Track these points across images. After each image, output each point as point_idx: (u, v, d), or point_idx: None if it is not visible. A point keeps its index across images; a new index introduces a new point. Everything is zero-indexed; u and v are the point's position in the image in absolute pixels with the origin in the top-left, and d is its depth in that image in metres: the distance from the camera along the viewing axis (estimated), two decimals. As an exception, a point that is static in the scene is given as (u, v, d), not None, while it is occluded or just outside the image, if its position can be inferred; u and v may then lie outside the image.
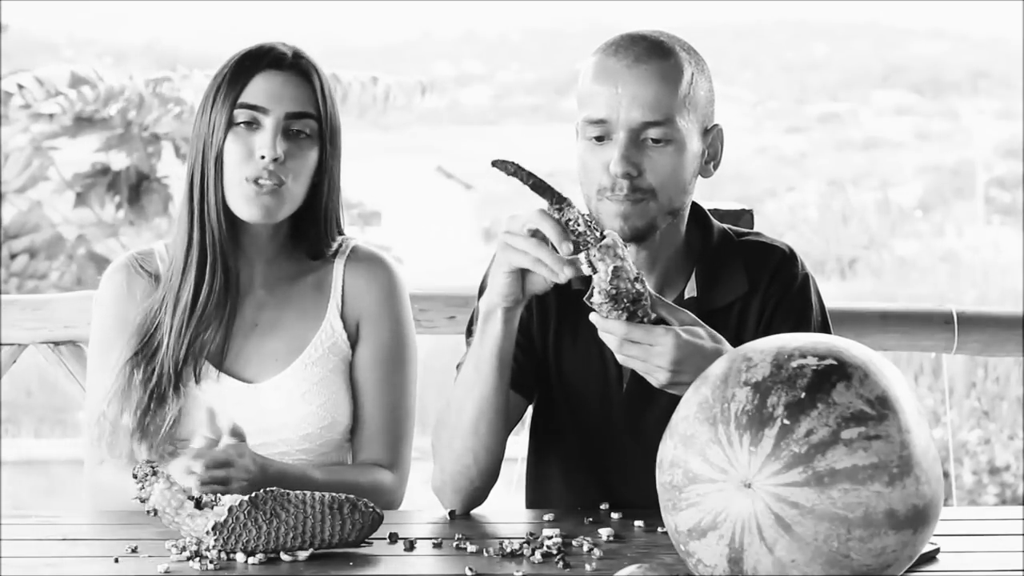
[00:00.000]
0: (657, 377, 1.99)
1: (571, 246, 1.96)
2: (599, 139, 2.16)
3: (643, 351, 1.97)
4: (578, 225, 1.96)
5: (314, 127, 2.32)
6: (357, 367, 2.39)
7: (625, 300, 1.94)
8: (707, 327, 2.03)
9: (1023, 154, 26.92)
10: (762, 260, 2.28)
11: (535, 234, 2.00)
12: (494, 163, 2.01)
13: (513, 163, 1.99)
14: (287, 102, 2.30)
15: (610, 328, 1.96)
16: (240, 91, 2.30)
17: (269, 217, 2.31)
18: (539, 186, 1.98)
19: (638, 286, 1.95)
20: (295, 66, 2.33)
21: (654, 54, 2.17)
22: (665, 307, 2.01)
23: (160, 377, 2.31)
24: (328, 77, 2.38)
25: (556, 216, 1.97)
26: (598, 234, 1.95)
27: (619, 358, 1.99)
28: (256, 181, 2.29)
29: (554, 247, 1.97)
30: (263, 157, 2.28)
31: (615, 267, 1.93)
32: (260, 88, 2.30)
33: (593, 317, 1.98)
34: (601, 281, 1.94)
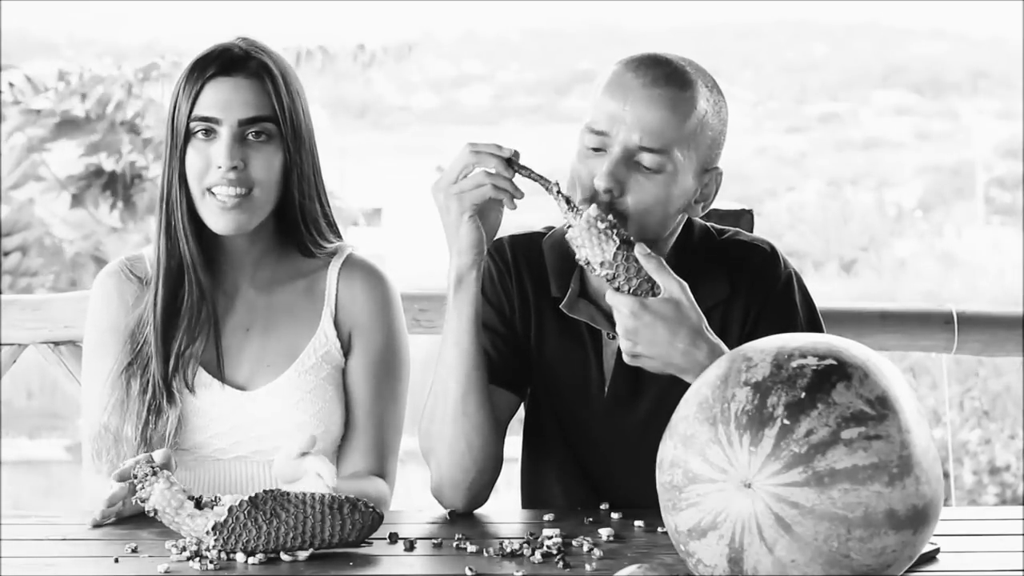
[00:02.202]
0: (621, 344, 2.04)
1: (511, 149, 2.08)
2: (596, 150, 2.14)
3: (614, 311, 2.03)
4: (561, 205, 2.07)
5: (272, 128, 2.29)
6: (349, 377, 2.38)
7: (603, 279, 2.03)
8: (685, 303, 2.02)
9: (1023, 154, 26.90)
10: (743, 262, 2.26)
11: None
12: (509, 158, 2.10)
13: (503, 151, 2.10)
14: (239, 108, 2.27)
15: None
16: (193, 103, 2.27)
17: (240, 229, 2.29)
18: (524, 168, 2.10)
19: (605, 269, 2.02)
20: (245, 68, 2.29)
21: (672, 81, 2.13)
22: (657, 271, 2.02)
23: (154, 388, 2.30)
24: (289, 69, 2.34)
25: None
26: (574, 217, 2.04)
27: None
28: (216, 190, 2.26)
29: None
30: (220, 168, 2.26)
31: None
32: (211, 98, 2.27)
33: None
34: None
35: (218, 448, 2.32)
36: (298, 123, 2.32)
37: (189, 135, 2.28)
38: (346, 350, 2.38)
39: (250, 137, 2.28)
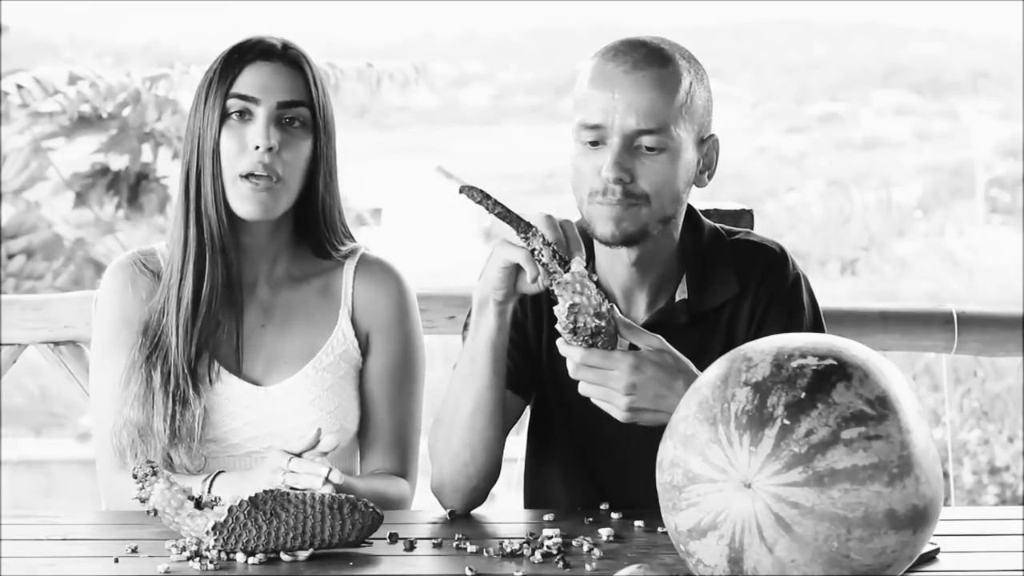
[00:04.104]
0: (616, 403, 2.00)
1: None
2: (594, 144, 2.15)
3: (599, 375, 1.99)
4: (541, 256, 1.98)
5: (307, 116, 2.32)
6: (369, 378, 2.39)
7: (583, 334, 1.97)
8: (675, 353, 2.02)
9: (1023, 154, 26.90)
10: (753, 261, 2.27)
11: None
12: (461, 190, 2.01)
13: (480, 190, 2.00)
14: (278, 91, 2.30)
15: (570, 354, 1.99)
16: (231, 83, 2.30)
17: (267, 214, 2.31)
18: (505, 215, 1.99)
19: (597, 320, 1.96)
20: (284, 56, 2.33)
21: (653, 61, 2.15)
22: (633, 333, 2.01)
23: (177, 379, 2.30)
24: (319, 67, 2.38)
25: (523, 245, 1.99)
26: (561, 267, 1.97)
27: (580, 387, 2.01)
28: (251, 176, 2.28)
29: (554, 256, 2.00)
30: (257, 148, 2.28)
31: (571, 304, 1.95)
32: (250, 79, 2.30)
33: (559, 342, 2.00)
34: (561, 315, 1.97)
35: (232, 444, 2.33)
36: (329, 116, 2.36)
37: (224, 117, 2.30)
38: (364, 350, 2.40)
39: (285, 121, 2.31)
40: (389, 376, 2.39)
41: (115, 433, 2.32)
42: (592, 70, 2.17)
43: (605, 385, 2.00)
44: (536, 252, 1.98)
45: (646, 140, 2.13)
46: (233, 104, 2.30)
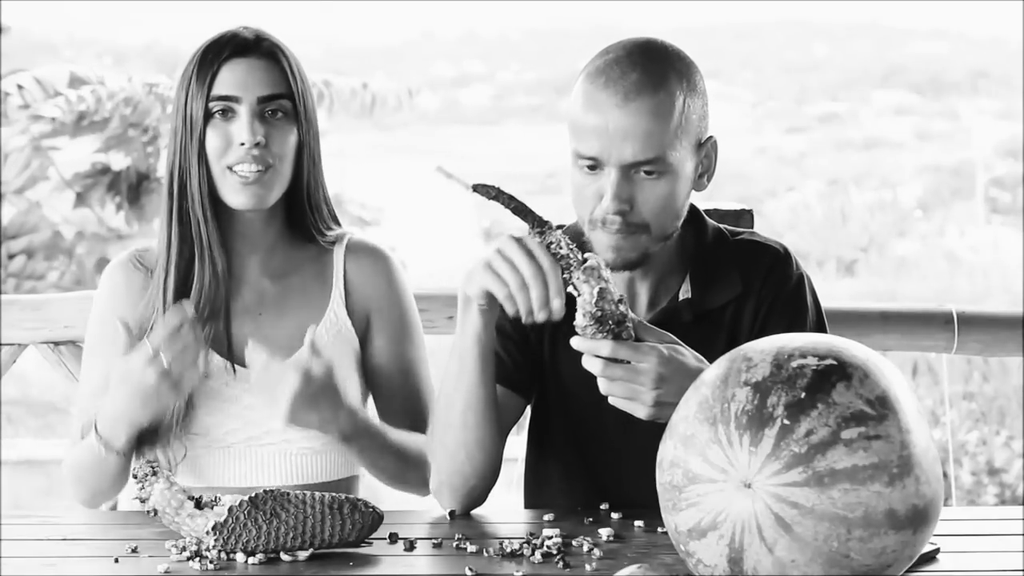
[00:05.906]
0: (642, 398, 1.97)
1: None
2: (591, 168, 2.14)
3: (628, 371, 1.96)
4: (560, 248, 1.96)
5: (288, 107, 2.34)
6: (375, 354, 2.43)
7: (610, 322, 1.94)
8: (688, 348, 2.02)
9: (1023, 154, 26.90)
10: (756, 260, 2.27)
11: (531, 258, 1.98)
12: (475, 188, 1.99)
13: (494, 187, 1.98)
14: (257, 86, 2.32)
15: (597, 348, 1.95)
16: (210, 84, 2.32)
17: (260, 203, 2.33)
18: (520, 209, 1.98)
19: (622, 307, 1.95)
20: (259, 49, 2.34)
21: (644, 88, 2.10)
22: (647, 330, 2.00)
23: None
24: (295, 57, 2.39)
25: (539, 239, 1.97)
26: (580, 256, 1.95)
27: (601, 386, 1.98)
28: (237, 168, 2.31)
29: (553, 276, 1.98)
30: (243, 144, 2.30)
31: (600, 288, 1.93)
32: (228, 77, 2.32)
33: (575, 340, 1.97)
34: (586, 303, 1.94)
35: (229, 430, 2.34)
36: (309, 104, 2.38)
37: (208, 116, 2.31)
38: (361, 335, 2.43)
39: (267, 115, 2.33)
40: (394, 347, 2.43)
41: (85, 420, 2.34)
42: (584, 96, 2.13)
43: (633, 381, 1.97)
44: (553, 245, 1.96)
45: (643, 168, 2.11)
46: (215, 104, 2.32)
